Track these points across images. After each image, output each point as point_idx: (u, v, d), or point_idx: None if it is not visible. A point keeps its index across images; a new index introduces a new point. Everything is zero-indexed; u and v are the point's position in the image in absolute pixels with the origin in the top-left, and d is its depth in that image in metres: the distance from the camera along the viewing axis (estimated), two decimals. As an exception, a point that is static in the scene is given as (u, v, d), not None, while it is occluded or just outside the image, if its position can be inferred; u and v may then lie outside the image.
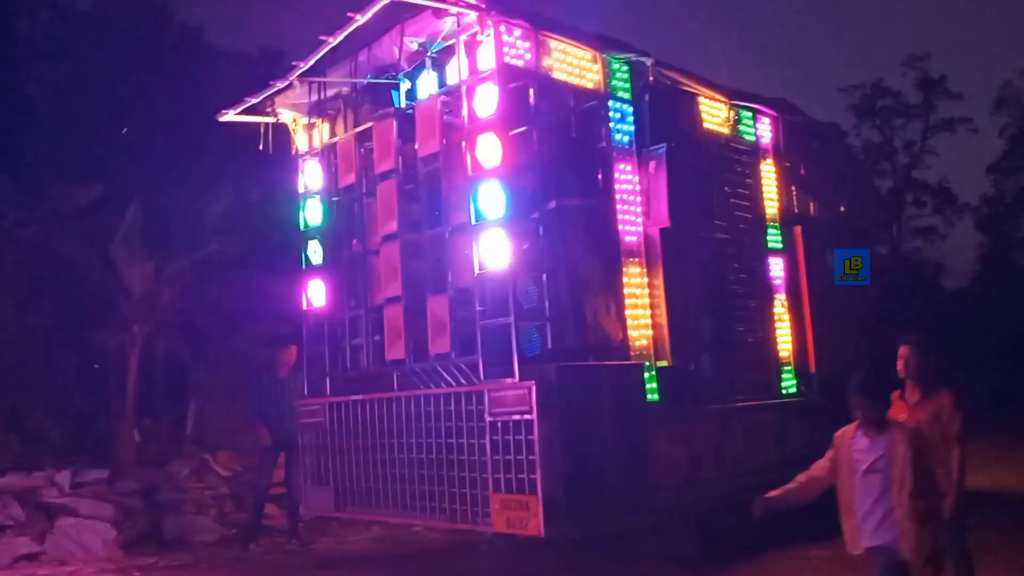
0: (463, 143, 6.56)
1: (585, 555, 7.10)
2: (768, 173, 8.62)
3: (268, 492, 9.45)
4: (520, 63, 6.52)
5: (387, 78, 7.48)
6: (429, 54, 7.14)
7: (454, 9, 6.47)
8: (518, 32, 6.51)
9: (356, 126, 7.80)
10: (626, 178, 7.13)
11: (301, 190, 8.21)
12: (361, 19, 6.79)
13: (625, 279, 6.97)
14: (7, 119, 12.94)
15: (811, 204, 9.32)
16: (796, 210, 8.96)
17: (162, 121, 13.27)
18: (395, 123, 7.24)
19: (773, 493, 4.84)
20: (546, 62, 6.75)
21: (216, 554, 8.94)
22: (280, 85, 7.81)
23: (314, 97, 7.99)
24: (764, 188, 8.55)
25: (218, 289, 12.40)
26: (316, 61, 7.50)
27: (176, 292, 12.24)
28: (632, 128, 7.23)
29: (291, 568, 8.20)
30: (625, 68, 7.30)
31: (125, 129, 12.71)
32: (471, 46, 6.60)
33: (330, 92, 7.98)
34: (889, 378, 4.87)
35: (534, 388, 5.85)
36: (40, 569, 8.09)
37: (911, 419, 5.10)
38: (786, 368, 8.42)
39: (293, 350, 8.91)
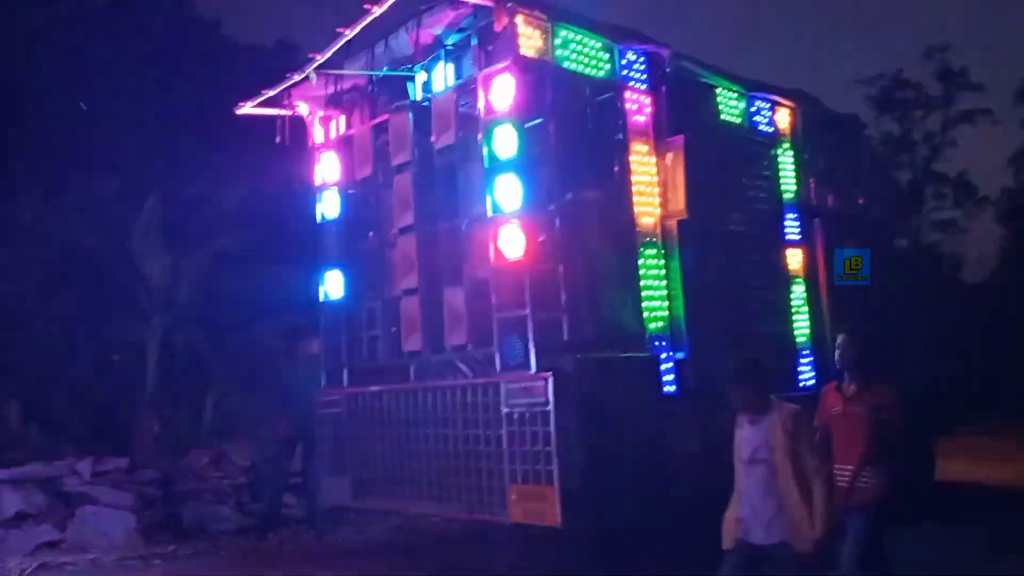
0: (479, 135, 6.57)
1: (601, 546, 7.10)
2: (786, 165, 8.57)
3: (286, 482, 9.51)
4: (536, 54, 6.51)
5: (403, 70, 7.50)
6: (445, 46, 7.15)
7: (471, 0, 6.47)
8: (534, 23, 6.50)
9: (372, 118, 7.82)
10: (643, 169, 7.11)
11: (318, 182, 8.25)
12: (377, 11, 6.80)
13: (642, 271, 6.96)
14: (26, 113, 13.04)
15: (829, 196, 9.26)
16: (814, 202, 8.90)
17: (180, 114, 13.34)
18: (411, 115, 7.26)
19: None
20: (562, 53, 6.73)
21: (234, 543, 9.01)
22: (297, 78, 7.83)
23: (330, 89, 8.01)
24: (782, 180, 8.50)
25: (235, 281, 12.47)
26: (332, 53, 7.52)
27: (194, 284, 12.33)
28: (649, 119, 7.21)
29: (308, 557, 8.26)
30: (642, 59, 7.27)
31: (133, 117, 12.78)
32: (487, 38, 6.60)
33: (346, 84, 8.00)
34: (764, 366, 4.72)
35: (551, 380, 5.86)
36: (61, 556, 8.18)
37: (845, 412, 5.05)
38: (804, 360, 8.38)
39: (314, 341, 8.95)
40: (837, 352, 5.29)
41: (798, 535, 4.15)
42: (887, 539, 5.22)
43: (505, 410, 6.13)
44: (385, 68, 7.56)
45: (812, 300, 8.51)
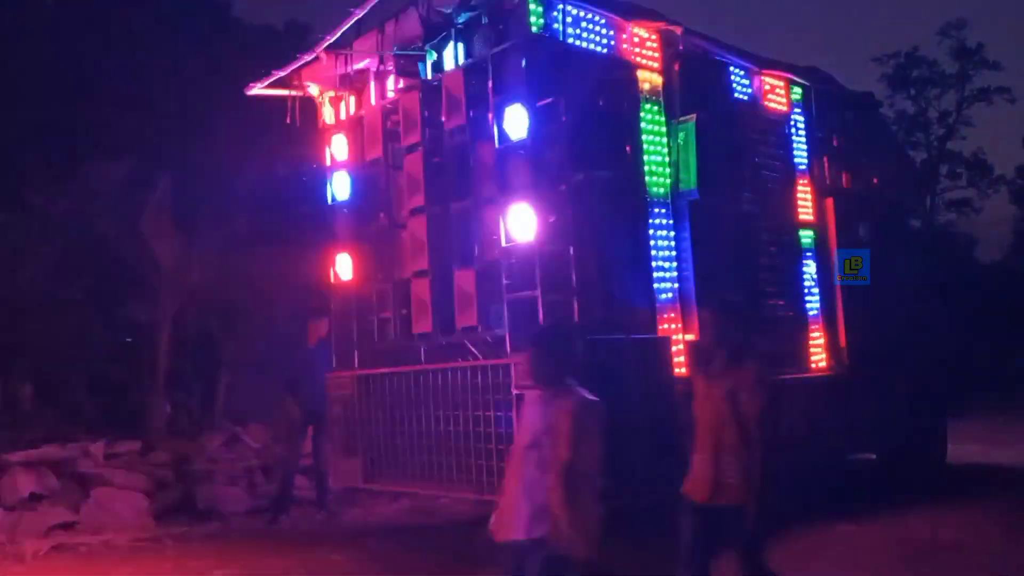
0: (490, 115, 6.52)
1: (611, 528, 7.11)
2: (800, 144, 8.49)
3: (298, 464, 9.55)
4: (547, 33, 6.45)
5: (413, 50, 7.44)
6: (455, 25, 7.09)
7: (480, -22, 6.42)
8: (545, 2, 6.44)
9: (382, 99, 7.78)
10: (655, 148, 7.05)
11: (328, 163, 8.22)
12: (387, -10, 6.75)
13: (653, 252, 6.92)
14: (38, 96, 13.04)
15: (843, 175, 9.18)
16: (828, 181, 8.83)
17: (190, 96, 13.31)
18: (421, 95, 7.21)
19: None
20: (574, 31, 6.67)
21: (247, 524, 9.05)
22: (307, 58, 7.80)
23: (341, 70, 7.97)
24: (795, 159, 8.43)
25: (246, 263, 12.49)
26: (342, 33, 7.49)
27: (205, 266, 12.34)
28: (661, 98, 7.14)
29: (320, 538, 8.29)
30: (654, 37, 7.20)
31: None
32: (497, 16, 6.54)
33: (357, 65, 7.96)
34: (568, 336, 4.09)
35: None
36: (75, 537, 8.23)
37: (707, 396, 4.51)
38: (816, 342, 8.33)
39: (325, 323, 8.96)
40: (701, 330, 4.70)
41: (557, 536, 3.63)
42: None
43: (515, 392, 6.12)
44: (395, 48, 7.51)
45: (824, 280, 8.45)
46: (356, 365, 7.78)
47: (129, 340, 13.01)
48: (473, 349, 6.63)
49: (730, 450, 4.37)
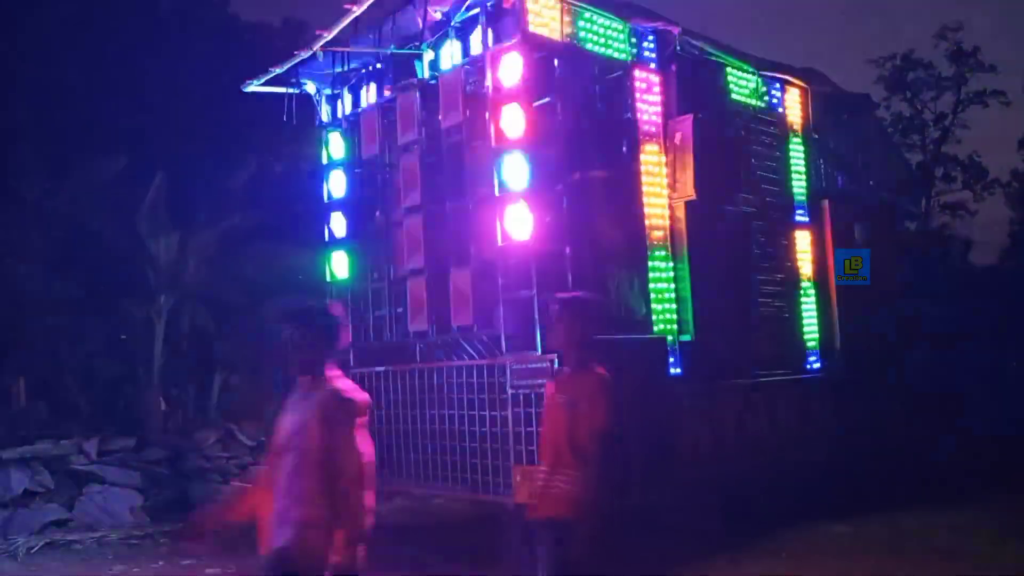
0: (487, 114, 6.52)
1: (607, 526, 7.10)
2: (796, 145, 8.51)
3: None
4: (545, 32, 6.45)
5: (411, 48, 7.43)
6: (453, 24, 7.08)
7: (478, -23, 6.41)
8: (544, 1, 6.44)
9: (379, 97, 7.77)
10: (651, 150, 7.05)
11: (325, 161, 8.22)
12: (385, -12, 6.75)
13: (649, 252, 6.92)
14: (33, 92, 13.00)
15: (839, 177, 9.21)
16: (824, 183, 8.85)
17: (187, 92, 13.29)
18: (418, 94, 7.21)
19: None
20: (571, 31, 6.67)
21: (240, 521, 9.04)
22: (304, 55, 7.78)
23: (338, 68, 7.97)
24: (792, 160, 8.44)
25: (242, 260, 12.46)
26: (340, 31, 7.47)
27: (201, 263, 12.31)
28: (658, 98, 7.14)
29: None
30: (651, 37, 7.21)
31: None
32: (495, 15, 6.53)
33: (354, 63, 7.95)
34: (330, 319, 3.49)
35: (556, 361, 5.84)
36: (69, 534, 8.21)
37: (552, 403, 4.08)
38: (811, 343, 8.34)
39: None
40: (551, 328, 4.17)
41: (304, 550, 3.23)
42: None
43: (511, 391, 6.12)
44: (392, 46, 7.50)
45: (820, 282, 8.46)
46: (351, 363, 7.77)
47: (124, 337, 12.95)
48: (469, 348, 6.63)
49: (567, 463, 3.92)
